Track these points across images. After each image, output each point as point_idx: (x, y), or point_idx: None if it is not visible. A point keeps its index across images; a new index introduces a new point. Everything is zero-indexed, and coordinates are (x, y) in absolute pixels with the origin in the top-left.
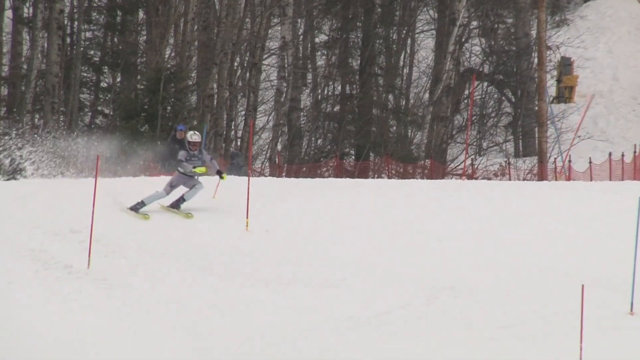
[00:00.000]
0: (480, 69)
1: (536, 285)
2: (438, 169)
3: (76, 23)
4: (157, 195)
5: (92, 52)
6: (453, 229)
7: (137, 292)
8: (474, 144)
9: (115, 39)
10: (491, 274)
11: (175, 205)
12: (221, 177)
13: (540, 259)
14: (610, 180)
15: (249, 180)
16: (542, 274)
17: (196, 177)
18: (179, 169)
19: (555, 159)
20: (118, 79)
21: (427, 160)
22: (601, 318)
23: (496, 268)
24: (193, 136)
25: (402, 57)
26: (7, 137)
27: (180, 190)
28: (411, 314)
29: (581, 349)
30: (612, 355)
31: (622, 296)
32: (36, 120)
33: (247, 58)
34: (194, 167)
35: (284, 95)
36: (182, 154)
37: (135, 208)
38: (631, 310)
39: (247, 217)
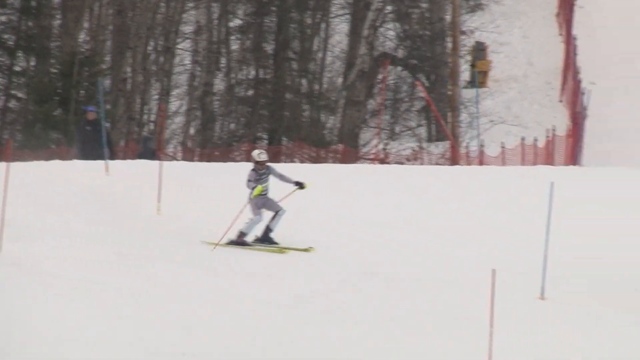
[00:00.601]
0: (394, 54)
1: (449, 270)
2: (350, 153)
3: None
4: (253, 221)
5: (6, 36)
6: (366, 213)
7: (50, 275)
8: (387, 128)
9: (30, 23)
10: (406, 259)
11: (266, 239)
12: (302, 187)
13: (453, 244)
14: (523, 164)
15: (160, 164)
16: (454, 259)
17: (269, 197)
18: (249, 192)
19: (467, 143)
20: (32, 63)
21: (339, 145)
22: (512, 303)
23: (410, 253)
24: (261, 155)
25: (316, 41)
26: None
27: (266, 212)
28: (330, 300)
29: (491, 334)
30: (522, 340)
31: (533, 281)
32: None
33: (161, 42)
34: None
35: (197, 79)
36: (249, 175)
37: (241, 242)
38: (542, 295)
39: (158, 201)
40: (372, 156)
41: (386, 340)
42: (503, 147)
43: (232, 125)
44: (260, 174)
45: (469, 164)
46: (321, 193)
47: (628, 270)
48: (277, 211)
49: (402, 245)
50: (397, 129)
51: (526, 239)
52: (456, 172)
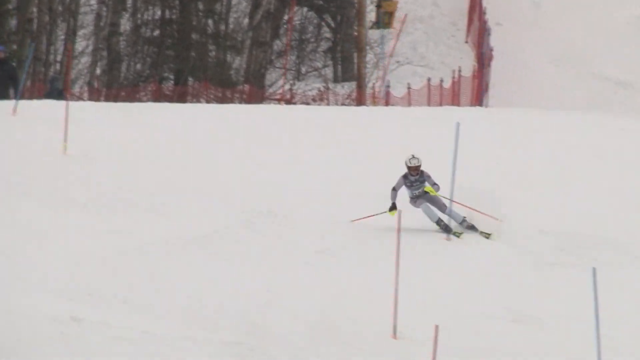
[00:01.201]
0: None
1: (353, 209)
2: (257, 93)
3: None
4: (425, 210)
5: None
6: (272, 153)
7: None
8: (293, 69)
9: None
10: (309, 199)
11: (445, 227)
12: (430, 190)
13: (358, 184)
14: (429, 105)
15: (67, 104)
16: (360, 199)
17: (424, 195)
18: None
19: (373, 84)
20: None
21: (245, 85)
22: (418, 239)
23: (314, 193)
24: (412, 160)
25: None
26: None
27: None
28: (231, 237)
29: (397, 272)
30: (427, 277)
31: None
32: None
33: None
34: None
35: (103, 19)
36: (399, 181)
37: (447, 229)
38: (451, 234)
39: (65, 141)
40: (278, 97)
41: (278, 274)
42: (409, 88)
43: (139, 66)
44: (411, 181)
45: (375, 104)
46: (226, 134)
47: (528, 208)
48: (443, 211)
49: (304, 185)
50: (303, 69)
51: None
52: (362, 112)
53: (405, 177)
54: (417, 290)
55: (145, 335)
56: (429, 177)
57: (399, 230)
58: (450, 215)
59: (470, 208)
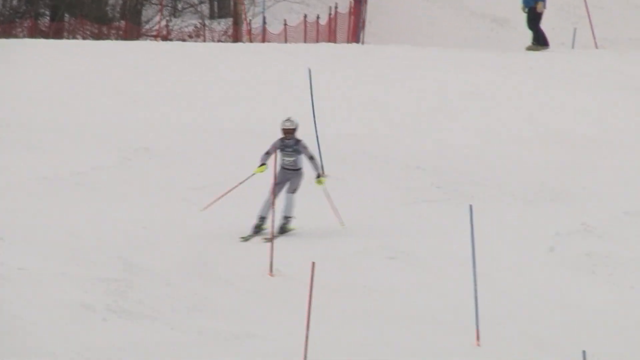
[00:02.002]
0: None
1: (230, 147)
2: (133, 30)
3: None
4: (269, 200)
5: None
6: (149, 89)
7: None
8: (169, 5)
9: None
10: (186, 136)
11: (283, 229)
12: (318, 182)
13: (236, 120)
14: (305, 42)
15: None
16: (236, 135)
17: (297, 170)
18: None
19: (250, 20)
20: None
21: (122, 21)
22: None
23: (191, 130)
24: (286, 123)
25: None
26: None
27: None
28: (108, 175)
29: (274, 210)
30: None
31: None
32: None
33: None
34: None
35: None
36: (275, 142)
37: (258, 229)
38: (322, 172)
39: None
40: (154, 33)
41: (154, 212)
42: (286, 25)
43: (15, 2)
44: (285, 145)
45: (251, 41)
46: (102, 71)
47: (404, 145)
48: (294, 190)
49: (181, 123)
50: (179, 5)
51: (298, 114)
52: (239, 49)
53: (281, 139)
54: (293, 234)
55: (21, 271)
56: (305, 148)
57: (275, 174)
58: (288, 203)
59: (329, 202)
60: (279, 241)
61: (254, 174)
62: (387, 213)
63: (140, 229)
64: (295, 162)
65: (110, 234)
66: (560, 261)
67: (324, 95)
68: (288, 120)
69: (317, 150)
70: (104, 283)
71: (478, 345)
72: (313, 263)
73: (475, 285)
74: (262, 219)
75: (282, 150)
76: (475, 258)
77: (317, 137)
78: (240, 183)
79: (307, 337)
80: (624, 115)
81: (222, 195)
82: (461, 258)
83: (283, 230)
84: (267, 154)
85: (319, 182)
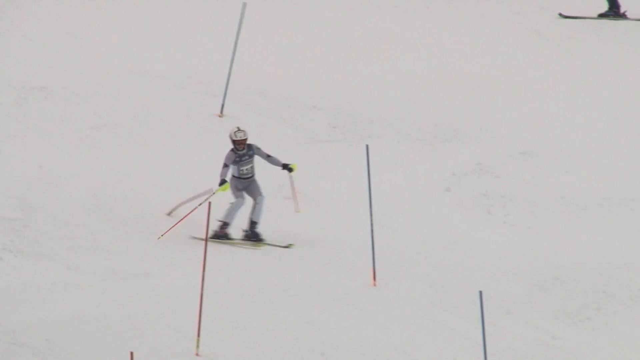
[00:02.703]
0: None
1: (135, 87)
2: None
3: None
4: (235, 205)
5: None
6: (47, 29)
7: None
8: None
9: None
10: (84, 77)
11: (253, 235)
12: (289, 169)
13: (135, 60)
14: None
15: None
16: (135, 76)
17: (253, 178)
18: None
19: None
20: None
21: None
22: (198, 117)
23: (89, 71)
24: (238, 134)
25: None
26: None
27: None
28: (2, 113)
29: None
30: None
31: (216, 99)
32: None
33: None
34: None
35: None
36: (228, 155)
37: (222, 234)
38: (221, 112)
39: None
40: None
41: (51, 151)
42: None
43: None
44: (240, 155)
45: None
46: None
47: (302, 85)
48: (255, 198)
49: (80, 61)
50: None
51: (212, 57)
52: None
53: (233, 150)
54: (195, 174)
55: None
56: (258, 149)
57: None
58: (256, 209)
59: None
60: (181, 184)
61: (215, 193)
62: (285, 153)
63: (36, 168)
64: (252, 168)
65: (6, 173)
66: (457, 201)
67: (228, 36)
68: (240, 130)
69: (225, 87)
70: (2, 223)
71: (374, 285)
72: (209, 203)
73: (372, 225)
74: (226, 224)
75: (237, 162)
76: (372, 198)
77: (229, 73)
78: (201, 204)
79: (203, 278)
80: (523, 58)
81: (182, 219)
82: (358, 198)
83: (255, 236)
84: (226, 167)
85: (292, 169)
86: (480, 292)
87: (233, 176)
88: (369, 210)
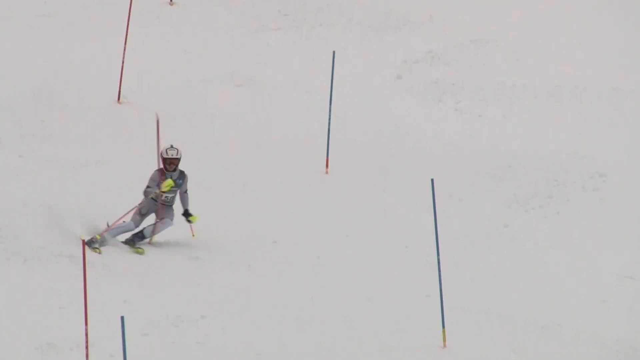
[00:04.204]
0: None
1: None
2: None
3: None
4: (124, 226)
5: None
6: None
7: None
8: None
9: None
10: None
11: (131, 241)
12: (188, 220)
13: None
14: None
15: None
16: None
17: (171, 206)
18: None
19: None
20: None
21: None
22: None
23: None
24: (170, 151)
25: None
26: None
27: (150, 220)
28: None
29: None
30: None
31: None
32: None
33: None
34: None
35: None
36: (153, 176)
37: (90, 243)
38: (118, 100)
39: None
40: None
41: None
42: None
43: None
44: (168, 176)
45: None
46: None
47: None
48: (161, 218)
49: None
50: None
51: None
52: None
53: (160, 171)
54: (141, 58)
55: None
56: (186, 181)
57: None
58: (156, 227)
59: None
60: (128, 69)
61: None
62: (234, 41)
63: None
64: (174, 197)
65: None
66: (408, 89)
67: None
68: (172, 148)
69: None
70: None
71: (327, 173)
72: (157, 115)
73: (330, 114)
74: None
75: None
76: (324, 86)
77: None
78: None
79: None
80: None
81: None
82: (309, 86)
83: (129, 242)
84: (149, 188)
85: (192, 220)
86: (432, 180)
87: (149, 198)
88: (321, 100)
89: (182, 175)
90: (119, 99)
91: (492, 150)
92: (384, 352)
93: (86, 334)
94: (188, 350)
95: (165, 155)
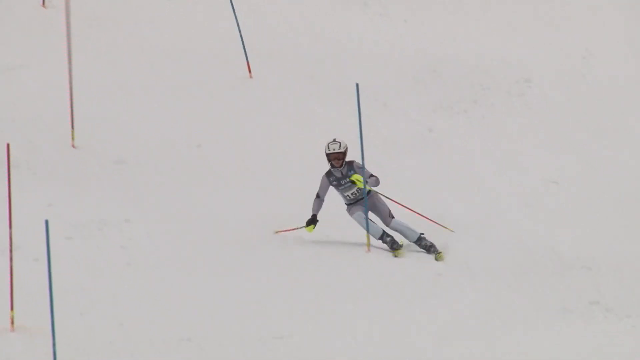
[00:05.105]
0: None
1: None
2: None
3: None
4: (358, 218)
5: None
6: None
7: None
8: None
9: None
10: None
11: (392, 244)
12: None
13: None
14: None
15: None
16: None
17: (374, 196)
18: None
19: None
20: None
21: None
22: None
23: None
24: (331, 145)
25: None
26: None
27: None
28: None
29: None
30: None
31: None
32: None
33: None
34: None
35: None
36: (320, 185)
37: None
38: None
39: None
40: None
41: None
42: None
43: None
44: (337, 178)
45: None
46: None
47: None
48: (387, 225)
49: None
50: None
51: None
52: None
53: (328, 174)
54: None
55: None
56: (360, 168)
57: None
58: (397, 229)
59: (421, 215)
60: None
61: (302, 227)
62: None
63: None
64: (358, 192)
65: None
66: None
67: None
68: (334, 142)
69: None
70: None
71: (251, 77)
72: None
73: (236, 18)
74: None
75: (337, 187)
76: None
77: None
78: (292, 229)
79: (70, 71)
80: None
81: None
82: None
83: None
84: (318, 197)
85: (357, 181)
86: (357, 85)
87: (345, 203)
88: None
89: (350, 165)
90: (43, 3)
91: (417, 55)
92: None
93: (10, 237)
94: (112, 254)
95: (327, 151)
